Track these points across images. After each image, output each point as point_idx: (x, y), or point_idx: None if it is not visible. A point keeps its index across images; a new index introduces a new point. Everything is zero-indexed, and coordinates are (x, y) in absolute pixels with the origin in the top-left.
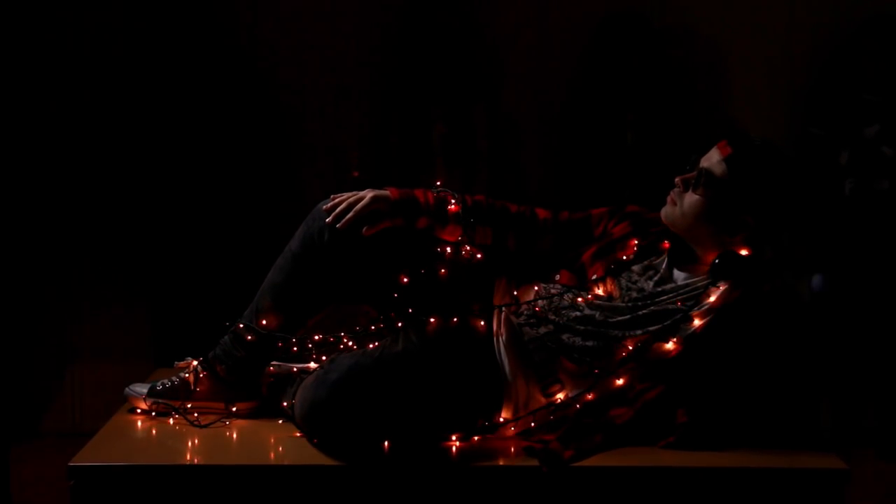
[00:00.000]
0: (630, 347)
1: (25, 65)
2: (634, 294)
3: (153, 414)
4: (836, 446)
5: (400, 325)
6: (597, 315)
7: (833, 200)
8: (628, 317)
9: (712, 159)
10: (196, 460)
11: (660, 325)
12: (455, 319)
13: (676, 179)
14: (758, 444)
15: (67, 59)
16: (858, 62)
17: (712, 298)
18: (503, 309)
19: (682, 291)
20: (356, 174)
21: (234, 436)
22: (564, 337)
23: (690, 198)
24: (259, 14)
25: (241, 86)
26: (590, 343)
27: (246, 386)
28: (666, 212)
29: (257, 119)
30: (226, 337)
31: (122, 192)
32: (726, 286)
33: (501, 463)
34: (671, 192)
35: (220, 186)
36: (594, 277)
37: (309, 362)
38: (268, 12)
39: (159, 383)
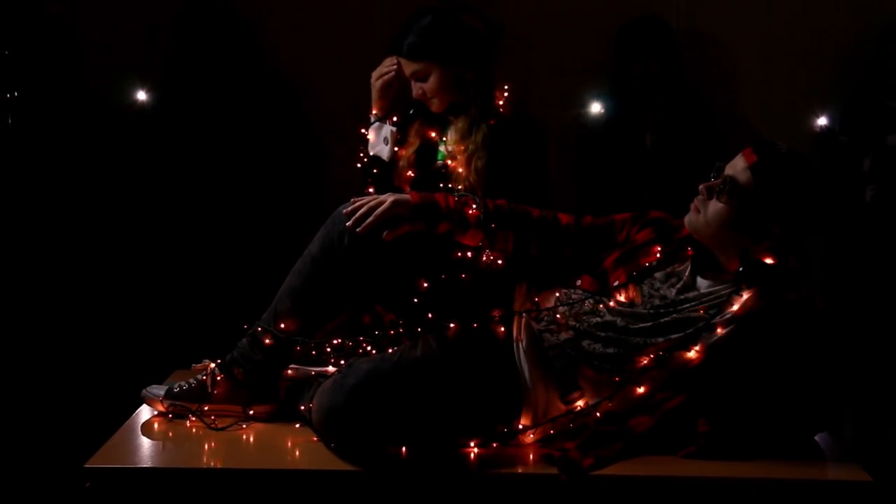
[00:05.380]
0: (651, 355)
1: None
2: (657, 301)
3: (170, 416)
4: (860, 457)
5: (419, 330)
6: (618, 321)
7: (855, 207)
8: (650, 324)
9: (737, 167)
10: (212, 464)
11: (682, 333)
12: (475, 325)
13: (700, 187)
14: (780, 455)
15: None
16: (881, 69)
17: (735, 307)
18: (523, 315)
19: (705, 299)
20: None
21: (251, 439)
22: (585, 343)
23: (715, 206)
24: (278, 13)
25: (258, 86)
26: (611, 350)
27: (263, 389)
28: (690, 219)
29: (278, 121)
30: (244, 340)
31: (142, 194)
32: (750, 294)
33: (520, 470)
34: (695, 200)
35: (241, 188)
36: (616, 283)
37: (327, 366)
38: (287, 11)
39: (176, 385)
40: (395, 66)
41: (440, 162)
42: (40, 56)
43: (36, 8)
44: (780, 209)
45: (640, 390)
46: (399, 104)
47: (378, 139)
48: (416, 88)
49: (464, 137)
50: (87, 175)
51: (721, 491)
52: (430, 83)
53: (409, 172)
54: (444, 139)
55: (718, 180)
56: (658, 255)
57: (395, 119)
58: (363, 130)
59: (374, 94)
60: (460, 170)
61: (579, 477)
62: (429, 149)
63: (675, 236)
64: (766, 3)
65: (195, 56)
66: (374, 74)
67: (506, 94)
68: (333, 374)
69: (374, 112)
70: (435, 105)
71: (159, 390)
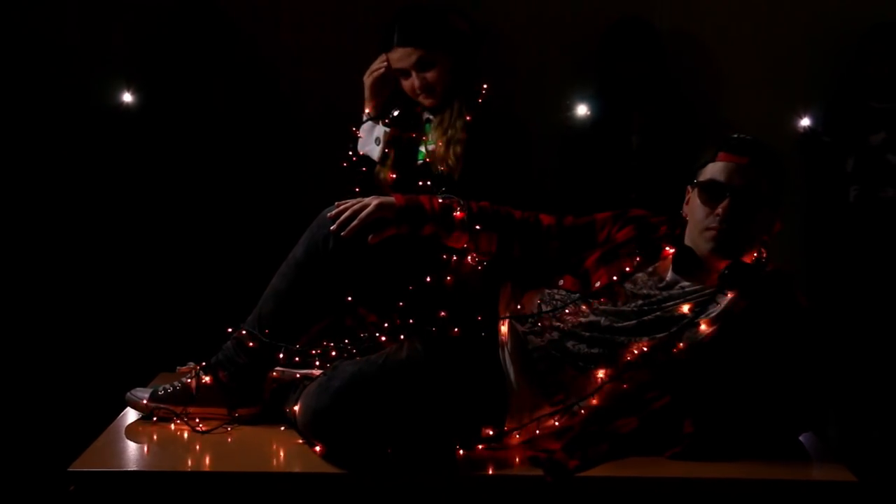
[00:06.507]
0: (636, 353)
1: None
2: (640, 300)
3: (154, 419)
4: (845, 457)
5: (404, 333)
6: (602, 321)
7: (838, 207)
8: (634, 322)
9: (747, 175)
10: (197, 466)
11: (666, 332)
12: (460, 328)
13: (721, 217)
14: (765, 455)
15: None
16: (864, 70)
17: (720, 306)
18: (507, 317)
19: (688, 297)
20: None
21: (236, 442)
22: (569, 344)
23: (748, 225)
24: (265, 13)
25: (246, 87)
26: (595, 350)
27: (248, 392)
28: (723, 247)
29: (265, 123)
30: (228, 342)
31: (127, 196)
32: (734, 295)
33: (506, 472)
34: (715, 231)
35: (226, 190)
36: (598, 283)
37: (312, 369)
38: (274, 11)
39: (161, 388)
40: (385, 63)
41: (421, 162)
42: (24, 56)
43: (20, 7)
44: (778, 191)
45: (625, 389)
46: (387, 105)
47: (369, 138)
48: (414, 80)
49: (446, 126)
50: (72, 176)
51: (707, 491)
52: (435, 71)
53: (391, 174)
54: (424, 139)
55: (726, 201)
56: (637, 259)
57: (387, 119)
58: (353, 128)
59: (367, 93)
60: (440, 152)
61: (565, 478)
62: (409, 149)
63: (656, 234)
64: (750, 3)
65: (180, 56)
66: (366, 73)
67: (484, 91)
68: (318, 376)
69: (367, 111)
70: (434, 96)
71: (144, 393)
